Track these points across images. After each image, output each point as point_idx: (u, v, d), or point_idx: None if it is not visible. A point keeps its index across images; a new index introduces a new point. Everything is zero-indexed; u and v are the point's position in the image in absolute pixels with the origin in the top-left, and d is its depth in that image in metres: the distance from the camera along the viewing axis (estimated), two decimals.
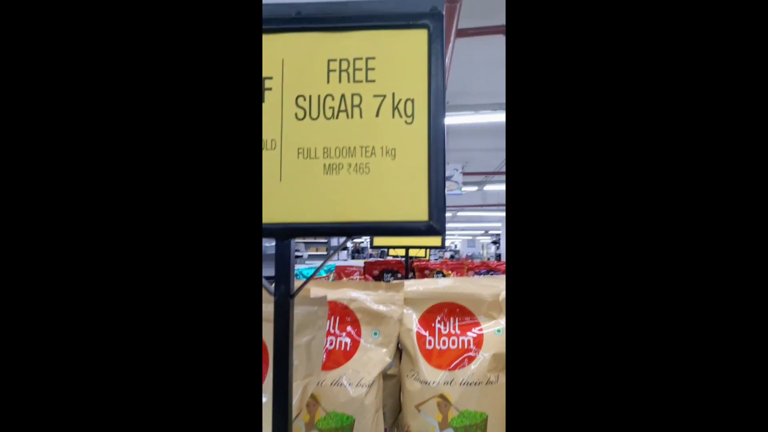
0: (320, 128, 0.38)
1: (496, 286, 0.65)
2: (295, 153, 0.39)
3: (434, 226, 0.38)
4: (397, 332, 0.64)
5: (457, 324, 0.64)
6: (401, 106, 0.38)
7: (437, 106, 0.38)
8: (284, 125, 0.39)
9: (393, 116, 0.38)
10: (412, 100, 0.38)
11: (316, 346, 0.47)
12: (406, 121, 0.38)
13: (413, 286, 0.67)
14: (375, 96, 0.38)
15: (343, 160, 0.38)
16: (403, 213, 0.38)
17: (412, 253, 1.68)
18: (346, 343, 0.63)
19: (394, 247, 1.57)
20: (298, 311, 0.45)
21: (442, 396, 0.60)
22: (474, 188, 5.25)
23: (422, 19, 0.38)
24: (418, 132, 0.38)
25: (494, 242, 11.10)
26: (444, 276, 1.52)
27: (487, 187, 5.34)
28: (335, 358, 0.62)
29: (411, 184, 0.38)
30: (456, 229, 11.56)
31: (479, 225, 10.54)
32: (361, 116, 0.38)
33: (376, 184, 0.38)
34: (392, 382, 0.72)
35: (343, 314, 0.64)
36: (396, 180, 0.38)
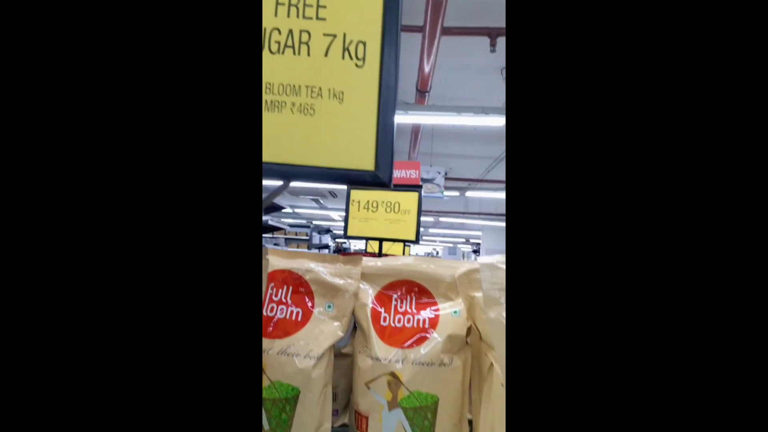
0: (264, 62, 0.36)
1: (456, 267, 0.63)
2: None
3: (380, 176, 0.36)
4: (351, 306, 0.62)
5: (414, 302, 0.62)
6: (352, 48, 0.36)
7: (390, 51, 0.36)
8: None
9: (343, 58, 0.36)
10: (364, 43, 0.36)
11: None
12: (356, 64, 0.36)
13: (372, 261, 0.65)
14: (325, 35, 0.36)
15: (286, 98, 0.36)
16: (348, 160, 0.36)
17: (390, 251, 1.67)
18: (297, 313, 0.60)
19: (371, 238, 1.55)
20: None
21: (393, 374, 0.57)
22: (456, 193, 5.28)
23: None
24: (369, 77, 0.36)
25: (475, 251, 11.19)
26: None
27: (469, 194, 5.38)
28: (285, 328, 0.59)
29: (358, 131, 0.36)
30: (437, 235, 11.61)
31: (461, 233, 10.61)
32: (308, 54, 0.36)
33: (321, 128, 0.36)
34: (347, 362, 0.69)
35: (296, 284, 0.62)
36: (342, 125, 0.36)
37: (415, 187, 1.35)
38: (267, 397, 0.56)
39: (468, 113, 2.45)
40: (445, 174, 4.70)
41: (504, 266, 0.41)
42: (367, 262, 0.65)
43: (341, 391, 0.72)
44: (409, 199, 1.26)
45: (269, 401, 0.56)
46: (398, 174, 1.29)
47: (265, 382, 0.56)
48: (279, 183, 0.37)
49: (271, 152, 0.35)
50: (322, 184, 0.66)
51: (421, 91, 2.65)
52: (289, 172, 0.35)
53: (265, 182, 0.34)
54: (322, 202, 7.92)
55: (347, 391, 0.69)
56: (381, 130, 0.36)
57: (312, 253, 0.65)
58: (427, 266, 0.63)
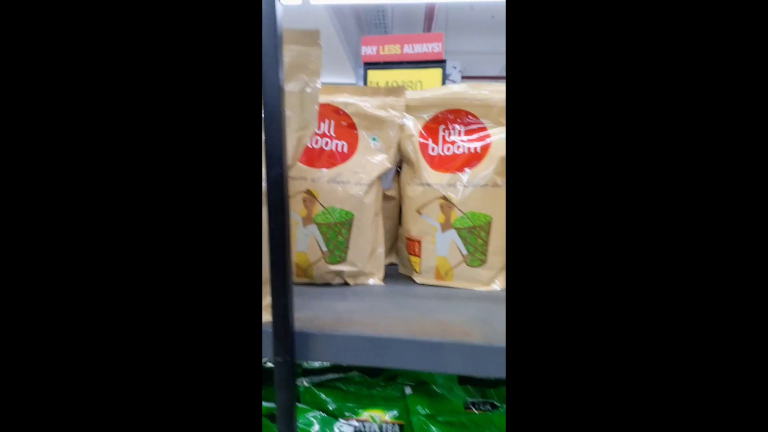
0: None
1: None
2: None
3: None
4: (397, 138, 0.60)
5: (463, 131, 0.60)
6: None
7: None
8: None
9: None
10: None
11: (310, 96, 0.42)
12: None
13: (417, 93, 0.62)
14: None
15: None
16: None
17: None
18: (343, 146, 0.59)
19: None
20: (287, 52, 0.40)
21: (444, 198, 0.57)
22: None
23: None
24: None
25: None
26: None
27: None
28: (331, 160, 0.58)
29: None
30: None
31: None
32: None
33: None
34: (390, 204, 0.70)
35: (338, 118, 0.60)
36: None
37: (438, 63, 1.16)
38: (322, 222, 0.57)
39: None
40: (461, 71, 4.43)
41: None
42: (412, 94, 0.62)
43: (387, 231, 0.74)
44: (433, 76, 1.14)
45: (325, 225, 0.57)
46: (420, 48, 1.18)
47: (319, 209, 0.57)
48: None
49: None
50: None
51: None
52: None
53: None
54: None
55: (392, 231, 0.71)
56: None
57: (351, 87, 0.62)
58: (476, 92, 0.59)
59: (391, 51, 1.15)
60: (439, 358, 0.36)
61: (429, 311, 0.46)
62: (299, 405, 0.59)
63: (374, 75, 1.28)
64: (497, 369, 0.35)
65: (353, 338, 0.38)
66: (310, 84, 0.42)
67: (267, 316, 0.38)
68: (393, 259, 0.73)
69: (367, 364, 0.38)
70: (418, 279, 0.60)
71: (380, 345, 0.38)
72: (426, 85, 1.20)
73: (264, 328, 0.38)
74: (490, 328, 0.40)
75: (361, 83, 1.33)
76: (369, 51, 1.12)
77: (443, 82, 1.24)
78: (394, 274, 0.66)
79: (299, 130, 0.43)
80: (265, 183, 0.35)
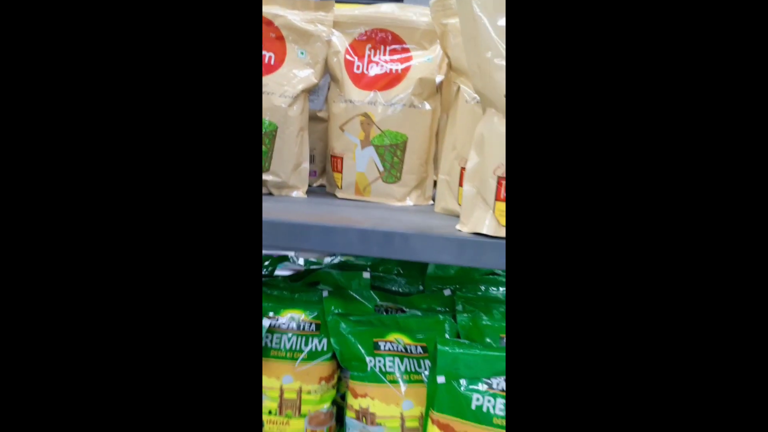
0: None
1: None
2: None
3: None
4: (324, 54, 0.61)
5: (387, 50, 0.62)
6: None
7: None
8: None
9: None
10: None
11: None
12: None
13: (347, 10, 0.62)
14: None
15: None
16: None
17: None
18: (270, 57, 0.60)
19: None
20: None
21: (365, 115, 0.60)
22: None
23: None
24: None
25: None
26: None
27: None
28: None
29: None
30: None
31: None
32: None
33: None
34: (323, 126, 0.72)
35: (267, 29, 0.60)
36: None
37: None
38: None
39: None
40: None
41: None
42: (341, 10, 0.62)
43: (318, 153, 0.76)
44: None
45: None
46: None
47: None
48: None
49: None
50: None
51: None
52: None
53: None
54: None
55: (324, 154, 0.73)
56: None
57: None
58: (403, 14, 0.61)
59: None
60: (332, 239, 0.41)
61: (337, 212, 0.51)
62: None
63: None
64: (380, 250, 0.40)
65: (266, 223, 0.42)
66: None
67: None
68: (323, 181, 0.76)
69: (277, 245, 0.42)
70: (339, 194, 0.64)
71: (287, 229, 0.42)
72: None
73: None
74: (382, 222, 0.44)
75: None
76: None
77: None
78: (321, 192, 0.70)
79: None
80: None
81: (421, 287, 0.72)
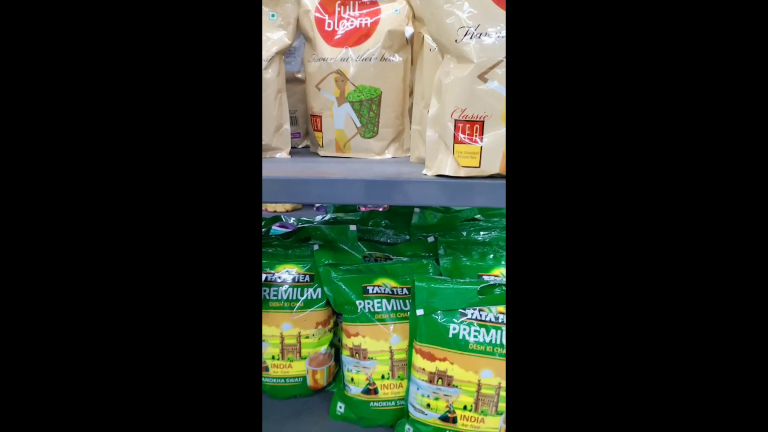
0: None
1: None
2: None
3: None
4: (295, 14, 0.62)
5: (356, 5, 0.62)
6: None
7: None
8: None
9: None
10: None
11: None
12: None
13: None
14: None
15: None
16: None
17: None
18: None
19: None
20: None
21: (339, 72, 0.62)
22: None
23: None
24: None
25: None
26: None
27: None
28: None
29: None
30: None
31: None
32: None
33: None
34: (302, 87, 0.73)
35: None
36: None
37: None
38: None
39: None
40: None
41: None
42: None
43: (300, 115, 0.79)
44: None
45: None
46: None
47: None
48: None
49: None
50: None
51: None
52: None
53: None
54: None
55: (305, 115, 0.75)
56: None
57: None
58: None
59: None
60: (306, 190, 0.45)
61: (316, 168, 0.54)
62: None
63: None
64: (349, 196, 0.44)
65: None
66: None
67: None
68: (308, 142, 0.79)
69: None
70: (321, 152, 0.67)
71: (273, 183, 0.45)
72: None
73: None
74: (354, 173, 0.48)
75: None
76: None
77: None
78: (306, 152, 0.73)
79: None
80: None
81: (407, 237, 0.76)
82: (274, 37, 0.62)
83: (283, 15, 0.62)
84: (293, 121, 0.77)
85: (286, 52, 0.65)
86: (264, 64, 0.61)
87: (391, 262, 0.68)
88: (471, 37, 0.39)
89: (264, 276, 0.68)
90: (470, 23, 0.39)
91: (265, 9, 0.62)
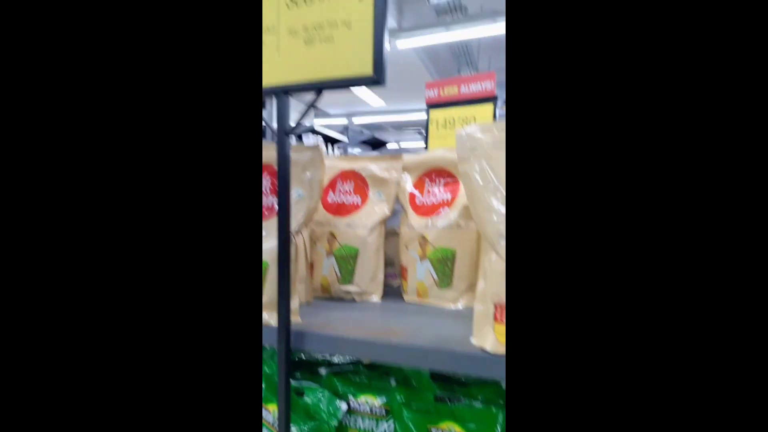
0: (302, 12, 0.55)
1: None
2: (287, 33, 0.57)
3: (376, 78, 0.54)
4: (395, 192, 0.82)
5: (441, 183, 0.80)
6: None
7: None
8: (280, 13, 0.57)
9: None
10: None
11: (315, 181, 0.67)
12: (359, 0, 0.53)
13: (413, 156, 0.84)
14: None
15: (315, 33, 0.55)
16: (356, 69, 0.54)
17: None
18: (357, 199, 0.83)
19: None
20: (299, 157, 0.66)
21: (423, 237, 0.77)
22: None
23: None
24: (367, 7, 0.53)
25: None
26: None
27: None
28: (349, 209, 0.83)
29: (361, 47, 0.54)
30: None
31: None
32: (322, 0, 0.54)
33: (338, 50, 0.55)
34: (396, 238, 0.91)
35: (356, 179, 0.84)
36: (351, 45, 0.54)
37: (490, 99, 1.23)
38: (338, 255, 0.81)
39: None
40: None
41: (480, 135, 0.56)
42: (409, 156, 0.84)
43: (398, 260, 0.95)
44: (484, 111, 1.23)
45: (339, 257, 0.81)
46: (474, 87, 1.29)
47: (337, 245, 0.81)
48: (309, 106, 0.58)
49: (308, 73, 0.55)
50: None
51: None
52: (318, 85, 0.55)
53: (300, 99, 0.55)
54: (423, 133, 8.00)
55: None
56: (377, 45, 0.52)
57: (363, 156, 0.86)
58: (452, 155, 0.79)
59: (449, 92, 1.28)
60: (368, 351, 0.57)
61: (387, 321, 0.67)
62: (317, 386, 0.82)
63: (435, 114, 1.36)
64: (407, 360, 0.55)
65: (326, 337, 0.60)
66: (315, 174, 0.67)
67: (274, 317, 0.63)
68: None
69: (329, 352, 0.60)
70: (405, 297, 0.80)
71: (337, 341, 0.60)
72: (479, 119, 1.27)
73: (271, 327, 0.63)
74: (418, 332, 0.59)
75: None
76: (431, 93, 1.28)
77: (494, 117, 1.30)
78: (396, 294, 0.87)
79: (308, 203, 0.68)
80: (276, 241, 0.59)
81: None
82: (378, 210, 0.82)
83: (387, 194, 0.82)
84: (392, 264, 0.94)
85: (386, 220, 0.84)
86: (368, 231, 0.80)
87: (460, 405, 0.73)
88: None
89: (350, 403, 0.79)
90: (504, 230, 0.51)
91: (375, 189, 0.83)
